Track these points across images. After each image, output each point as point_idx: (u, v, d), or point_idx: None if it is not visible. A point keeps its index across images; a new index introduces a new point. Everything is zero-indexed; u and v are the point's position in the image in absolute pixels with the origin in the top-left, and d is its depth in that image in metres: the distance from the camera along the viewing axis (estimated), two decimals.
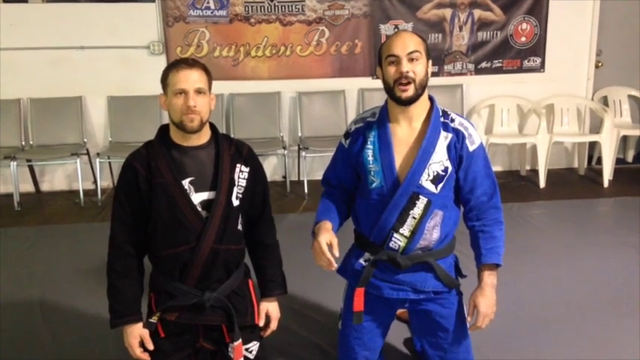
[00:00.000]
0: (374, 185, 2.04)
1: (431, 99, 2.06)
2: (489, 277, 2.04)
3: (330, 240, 1.98)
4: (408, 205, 1.99)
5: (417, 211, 1.99)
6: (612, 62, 5.73)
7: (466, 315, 2.11)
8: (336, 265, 1.99)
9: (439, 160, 1.99)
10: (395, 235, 2.02)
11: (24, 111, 5.07)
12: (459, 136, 2.01)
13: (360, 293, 2.11)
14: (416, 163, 1.97)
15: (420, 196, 1.99)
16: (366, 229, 2.10)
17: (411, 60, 1.93)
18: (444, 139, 2.00)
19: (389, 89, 1.98)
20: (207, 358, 2.09)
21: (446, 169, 2.00)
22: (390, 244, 2.04)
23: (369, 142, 2.05)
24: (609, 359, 2.52)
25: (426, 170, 1.98)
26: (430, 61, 2.02)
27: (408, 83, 1.92)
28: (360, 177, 2.13)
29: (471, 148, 2.01)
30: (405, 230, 2.01)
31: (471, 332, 2.15)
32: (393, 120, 2.04)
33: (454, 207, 2.09)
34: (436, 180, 1.99)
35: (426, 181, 1.98)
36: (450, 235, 2.10)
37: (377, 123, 2.07)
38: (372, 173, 2.03)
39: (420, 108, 2.02)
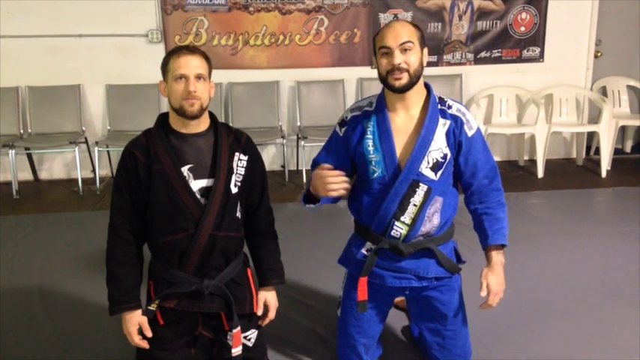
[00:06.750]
0: (375, 175, 2.04)
1: (427, 86, 2.06)
2: (498, 256, 2.06)
3: (325, 166, 1.99)
4: (408, 193, 1.99)
5: (418, 198, 2.00)
6: (611, 52, 5.72)
7: (480, 292, 2.06)
8: (347, 179, 1.97)
9: (438, 147, 1.99)
10: (396, 223, 2.02)
11: (22, 99, 5.05)
12: (457, 123, 2.01)
13: (363, 283, 2.11)
14: (415, 151, 1.98)
15: (420, 184, 1.99)
16: (367, 219, 2.10)
17: (404, 50, 1.93)
18: (442, 125, 2.00)
19: (383, 79, 1.99)
20: (206, 346, 2.11)
21: (445, 156, 2.00)
22: (392, 233, 2.04)
23: (368, 132, 2.04)
24: (608, 348, 2.53)
25: (426, 158, 1.98)
26: (425, 50, 2.01)
27: (401, 73, 1.92)
28: (356, 167, 2.13)
29: (470, 134, 2.02)
30: (406, 218, 2.01)
31: (473, 313, 2.14)
32: (391, 109, 2.04)
33: (453, 192, 2.10)
34: (435, 167, 2.00)
35: (425, 169, 1.99)
36: (449, 221, 2.11)
37: (375, 112, 2.06)
38: (373, 163, 2.03)
39: (417, 95, 2.02)
